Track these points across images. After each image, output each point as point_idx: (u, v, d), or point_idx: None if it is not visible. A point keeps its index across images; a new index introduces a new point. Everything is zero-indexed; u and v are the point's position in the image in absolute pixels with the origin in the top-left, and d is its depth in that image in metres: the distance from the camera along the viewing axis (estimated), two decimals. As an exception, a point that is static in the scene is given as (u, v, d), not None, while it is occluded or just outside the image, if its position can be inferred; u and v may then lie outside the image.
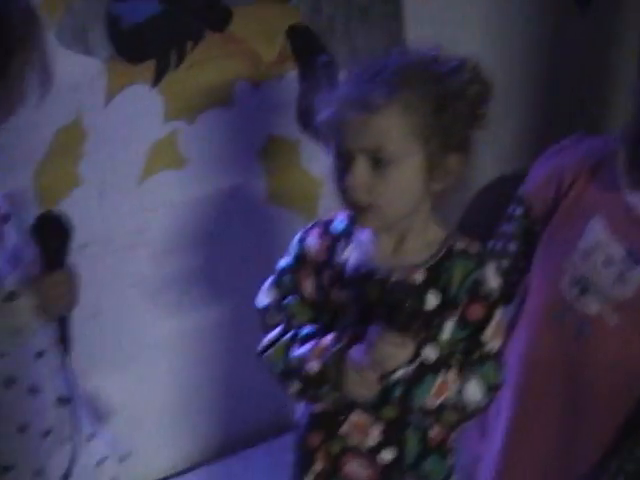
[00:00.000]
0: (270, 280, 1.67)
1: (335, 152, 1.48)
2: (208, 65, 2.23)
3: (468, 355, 1.52)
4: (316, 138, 2.40)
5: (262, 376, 1.64)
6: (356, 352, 1.47)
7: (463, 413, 1.53)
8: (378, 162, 1.43)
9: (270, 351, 1.61)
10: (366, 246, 1.55)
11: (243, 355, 1.99)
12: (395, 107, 1.41)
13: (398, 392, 1.48)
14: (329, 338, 1.53)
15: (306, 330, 1.58)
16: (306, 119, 2.39)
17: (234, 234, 2.40)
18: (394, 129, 1.42)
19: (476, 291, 1.50)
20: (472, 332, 1.51)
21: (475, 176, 1.54)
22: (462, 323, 1.51)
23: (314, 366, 1.52)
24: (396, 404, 1.51)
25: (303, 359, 1.54)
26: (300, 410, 1.69)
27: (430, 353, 1.50)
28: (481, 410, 1.55)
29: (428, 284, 1.50)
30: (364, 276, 1.53)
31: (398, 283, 1.47)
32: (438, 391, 1.48)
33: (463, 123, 1.47)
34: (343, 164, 1.46)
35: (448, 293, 1.50)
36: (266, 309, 1.65)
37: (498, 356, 1.54)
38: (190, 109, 2.25)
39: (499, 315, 1.53)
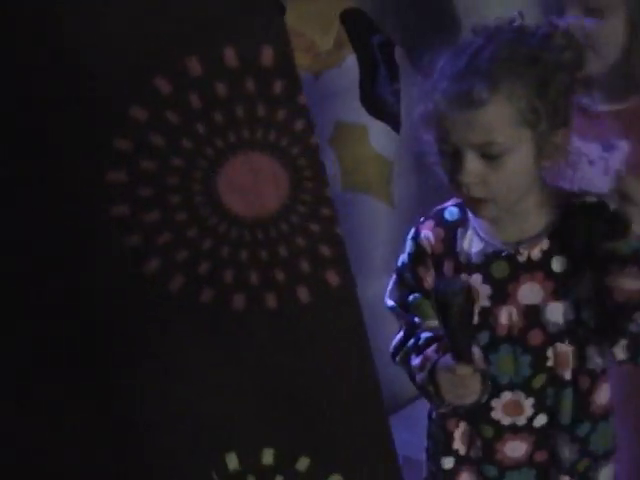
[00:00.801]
0: (393, 279, 1.67)
1: (440, 148, 1.46)
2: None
3: None
4: (384, 121, 2.44)
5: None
6: (445, 361, 1.47)
7: None
8: (489, 155, 1.42)
9: (398, 357, 1.63)
10: (486, 230, 1.54)
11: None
12: (500, 99, 1.39)
13: None
14: (432, 349, 1.53)
15: (425, 336, 1.57)
16: (371, 102, 2.42)
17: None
18: (502, 122, 1.41)
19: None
20: None
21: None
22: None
23: (420, 378, 1.53)
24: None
25: (416, 370, 1.55)
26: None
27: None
28: None
29: (552, 250, 1.49)
30: (490, 258, 1.52)
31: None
32: None
33: (565, 94, 1.45)
34: (452, 159, 1.45)
35: (576, 249, 1.48)
36: (393, 309, 1.65)
37: None
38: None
39: None
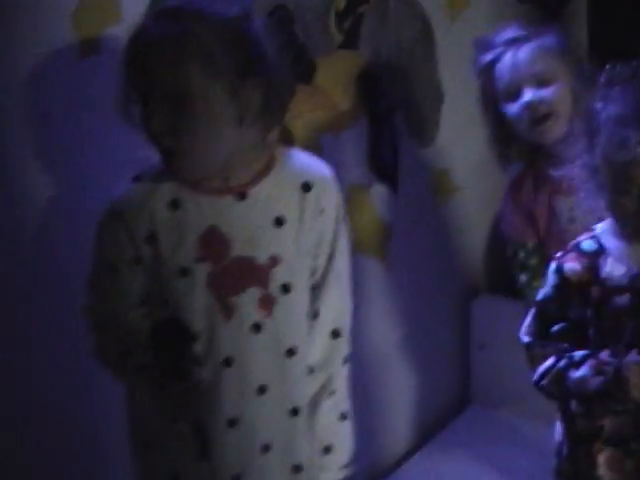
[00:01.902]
0: (531, 314, 1.75)
1: (619, 186, 1.58)
2: (299, 120, 2.19)
3: None
4: (385, 182, 2.44)
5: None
6: (634, 356, 1.58)
7: None
8: None
9: (545, 380, 1.68)
10: (625, 255, 1.66)
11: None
12: None
13: None
14: (605, 354, 1.62)
15: (580, 353, 1.65)
16: (374, 163, 2.43)
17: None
18: None
19: None
20: None
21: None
22: None
23: (596, 383, 1.60)
24: None
25: (583, 379, 1.62)
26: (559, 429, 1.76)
27: None
28: None
29: None
30: (636, 279, 1.63)
31: None
32: None
33: None
34: (632, 196, 1.57)
35: None
36: (531, 344, 1.73)
37: None
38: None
39: None
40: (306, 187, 1.59)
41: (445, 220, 2.72)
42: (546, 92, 2.08)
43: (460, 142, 2.66)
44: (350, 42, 2.32)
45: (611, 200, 1.62)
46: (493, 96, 2.15)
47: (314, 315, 1.66)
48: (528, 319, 1.75)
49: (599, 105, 1.62)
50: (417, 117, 2.55)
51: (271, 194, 1.56)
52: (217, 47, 1.41)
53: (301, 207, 1.59)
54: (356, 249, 2.38)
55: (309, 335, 1.65)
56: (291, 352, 1.60)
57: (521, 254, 2.20)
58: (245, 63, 1.45)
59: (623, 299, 1.63)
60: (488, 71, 2.15)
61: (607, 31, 3.20)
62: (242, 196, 1.55)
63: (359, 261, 2.41)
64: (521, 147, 2.18)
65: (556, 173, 2.03)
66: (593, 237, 1.70)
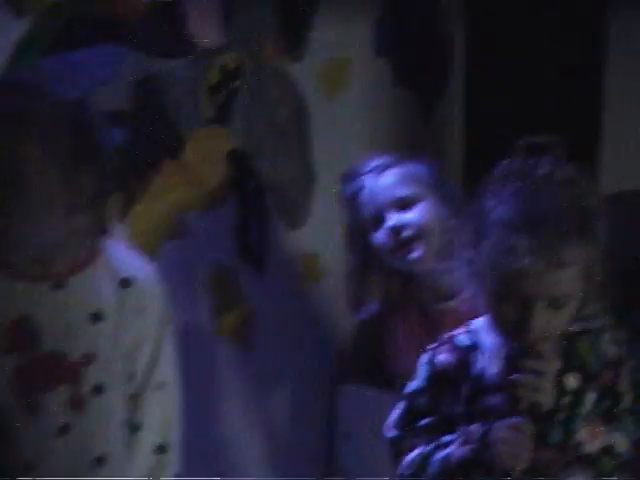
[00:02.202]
0: (399, 407, 1.67)
1: (503, 293, 1.50)
2: (164, 196, 2.09)
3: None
4: (251, 264, 2.36)
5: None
6: (502, 422, 1.51)
7: (617, 462, 1.57)
8: (556, 305, 1.49)
9: (411, 468, 1.62)
10: (497, 348, 1.58)
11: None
12: (580, 263, 1.49)
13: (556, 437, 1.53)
14: (474, 426, 1.55)
15: (447, 438, 1.59)
16: (241, 245, 2.34)
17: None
18: (575, 278, 1.50)
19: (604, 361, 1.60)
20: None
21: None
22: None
23: (461, 453, 1.54)
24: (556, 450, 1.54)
25: (449, 455, 1.56)
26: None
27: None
28: (629, 463, 1.61)
29: (566, 369, 1.57)
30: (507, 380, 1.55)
31: None
32: (592, 435, 1.55)
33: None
34: (515, 305, 1.49)
35: (585, 371, 1.58)
36: (400, 437, 1.66)
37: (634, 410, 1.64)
38: (149, 244, 2.08)
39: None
40: (125, 283, 1.51)
41: (312, 306, 2.63)
42: (410, 215, 2.02)
43: (331, 226, 2.60)
44: (222, 118, 2.25)
45: (492, 305, 1.55)
46: (358, 227, 2.10)
47: (135, 427, 1.55)
48: (395, 412, 1.68)
49: (489, 203, 1.53)
50: (287, 198, 2.48)
51: (90, 286, 1.48)
52: (55, 129, 1.34)
53: (120, 303, 1.50)
54: (218, 333, 2.31)
55: (128, 448, 1.53)
56: (100, 460, 1.49)
57: None
58: (79, 149, 1.38)
59: (495, 399, 1.56)
60: (353, 201, 2.09)
61: (484, 116, 3.24)
62: (59, 285, 1.46)
63: (221, 346, 2.32)
64: (395, 279, 2.10)
65: (439, 306, 2.01)
66: (469, 332, 1.64)
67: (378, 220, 2.03)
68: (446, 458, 1.56)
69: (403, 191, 2.02)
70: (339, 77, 2.61)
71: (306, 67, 2.49)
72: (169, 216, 2.11)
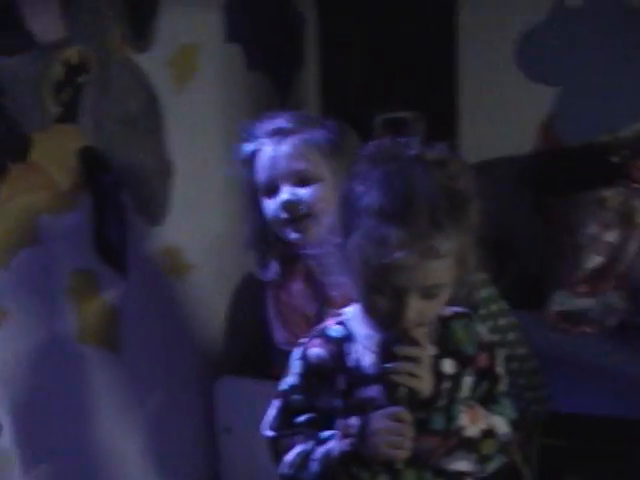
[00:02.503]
0: (275, 406, 1.61)
1: (373, 286, 1.45)
2: (13, 201, 1.98)
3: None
4: (114, 266, 2.27)
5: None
6: (379, 412, 1.47)
7: (498, 444, 1.56)
8: (429, 294, 1.45)
9: (292, 469, 1.55)
10: (373, 340, 1.53)
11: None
12: (454, 250, 1.44)
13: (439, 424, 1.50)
14: (352, 419, 1.50)
15: (328, 432, 1.54)
16: (99, 245, 2.25)
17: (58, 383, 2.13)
18: (449, 266, 1.45)
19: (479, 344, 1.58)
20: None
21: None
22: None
23: (341, 446, 1.49)
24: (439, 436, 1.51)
25: (329, 450, 1.51)
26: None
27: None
28: (509, 444, 1.60)
29: (441, 354, 1.54)
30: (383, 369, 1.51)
31: None
32: (472, 419, 1.52)
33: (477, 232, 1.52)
34: (387, 296, 1.44)
35: (461, 355, 1.56)
36: (278, 436, 1.59)
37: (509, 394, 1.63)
38: (3, 253, 1.97)
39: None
40: None
41: (179, 301, 2.56)
42: (305, 192, 1.91)
43: (193, 218, 2.54)
44: (69, 115, 2.15)
45: (363, 295, 1.50)
46: (254, 190, 1.98)
47: None
48: (272, 411, 1.61)
49: (358, 188, 1.46)
50: (144, 194, 2.40)
51: None
52: None
53: None
54: (82, 340, 2.22)
55: None
56: None
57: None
58: None
59: (372, 389, 1.51)
60: (249, 162, 1.96)
61: (341, 97, 3.23)
62: None
63: (86, 352, 2.23)
64: (282, 247, 2.00)
65: (325, 280, 1.92)
66: (341, 322, 1.58)
67: (272, 190, 1.93)
68: (326, 454, 1.51)
69: (301, 165, 1.91)
70: (189, 65, 2.54)
71: (154, 56, 2.41)
72: (21, 222, 2.01)
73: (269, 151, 1.92)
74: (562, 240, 3.19)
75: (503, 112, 3.40)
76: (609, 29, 3.27)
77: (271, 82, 2.94)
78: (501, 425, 1.57)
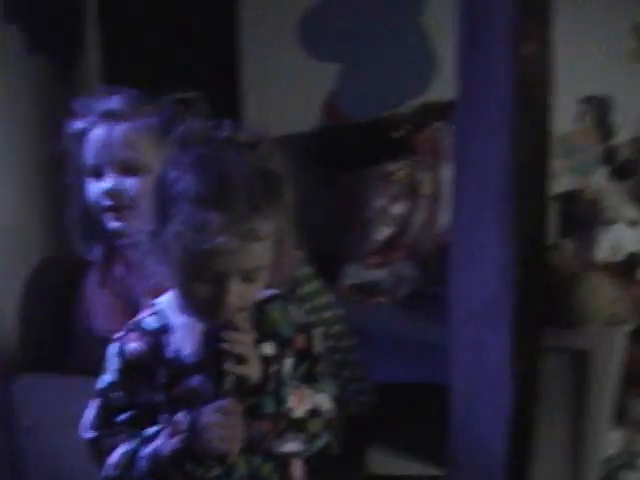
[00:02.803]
0: (94, 405, 1.57)
1: (195, 272, 1.44)
2: None
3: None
4: None
5: None
6: (209, 407, 1.47)
7: (324, 422, 1.60)
8: (250, 278, 1.46)
9: (117, 470, 1.52)
10: (191, 329, 1.53)
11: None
12: (273, 231, 1.45)
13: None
14: (180, 414, 1.49)
15: (153, 429, 1.52)
16: None
17: None
18: (267, 247, 1.46)
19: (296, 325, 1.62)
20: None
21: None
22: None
23: (171, 445, 1.47)
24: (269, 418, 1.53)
25: (157, 449, 1.49)
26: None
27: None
28: (334, 421, 1.64)
29: (261, 338, 1.55)
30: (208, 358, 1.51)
31: None
32: (299, 399, 1.56)
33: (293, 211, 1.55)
34: (207, 282, 1.44)
35: (279, 337, 1.58)
36: (99, 437, 1.56)
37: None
38: None
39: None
40: None
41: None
42: (131, 182, 1.87)
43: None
44: None
45: (183, 283, 1.48)
46: (80, 169, 1.90)
47: None
48: (90, 411, 1.57)
49: (172, 173, 1.44)
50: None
51: None
52: None
53: None
54: None
55: None
56: None
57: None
58: None
59: (194, 380, 1.51)
60: (77, 140, 1.89)
61: (123, 79, 3.16)
62: None
63: None
64: (105, 232, 1.93)
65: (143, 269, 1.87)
66: (156, 313, 1.56)
67: (97, 174, 1.86)
68: (155, 453, 1.48)
69: (130, 154, 1.86)
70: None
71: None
72: None
73: (99, 134, 1.86)
74: (352, 214, 3.29)
75: (288, 90, 3.45)
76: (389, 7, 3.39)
77: (53, 65, 2.82)
78: (324, 402, 1.61)
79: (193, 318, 1.51)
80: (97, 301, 1.98)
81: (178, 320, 1.54)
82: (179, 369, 1.52)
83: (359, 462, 2.60)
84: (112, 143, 1.86)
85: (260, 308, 1.58)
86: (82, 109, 1.90)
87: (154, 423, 1.52)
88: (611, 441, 2.89)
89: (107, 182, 1.86)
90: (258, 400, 1.51)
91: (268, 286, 1.56)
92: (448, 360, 2.26)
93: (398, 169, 3.22)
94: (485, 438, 2.16)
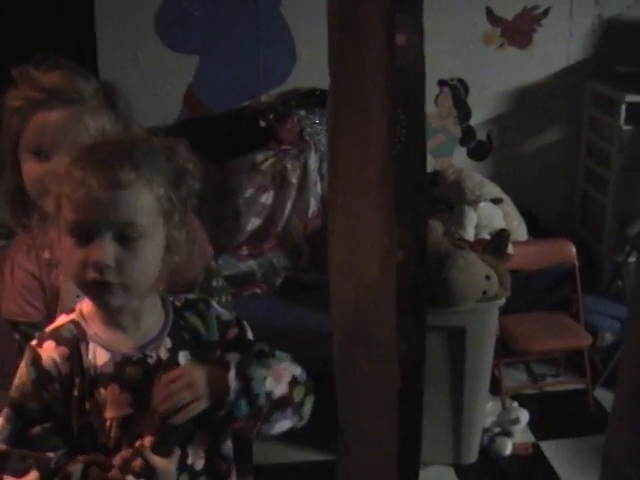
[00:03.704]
0: (6, 415, 1.46)
1: (70, 228, 1.41)
2: None
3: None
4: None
5: None
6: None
7: (304, 386, 1.57)
8: (126, 239, 1.41)
9: None
10: (109, 340, 1.49)
11: None
12: (142, 182, 1.42)
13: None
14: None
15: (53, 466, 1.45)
16: None
17: None
18: (143, 204, 1.43)
19: (221, 324, 1.58)
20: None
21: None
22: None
23: None
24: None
25: None
26: None
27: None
28: (310, 382, 1.61)
29: (177, 347, 1.53)
30: (122, 366, 1.48)
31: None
32: (277, 376, 1.53)
33: (192, 197, 1.52)
34: (81, 241, 1.40)
35: (200, 343, 1.55)
36: (7, 452, 1.45)
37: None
38: None
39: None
40: None
41: None
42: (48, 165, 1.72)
43: None
44: None
45: (66, 255, 1.44)
46: (16, 144, 1.75)
47: None
48: (2, 421, 1.46)
49: None
50: None
51: None
52: None
53: None
54: None
55: None
56: None
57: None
58: None
59: (111, 390, 1.46)
60: (19, 116, 1.73)
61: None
62: None
63: None
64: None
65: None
66: (73, 321, 1.50)
67: (36, 153, 1.72)
68: None
69: (70, 136, 1.71)
70: None
71: None
72: None
73: (42, 115, 1.72)
74: (221, 206, 3.28)
75: (147, 83, 3.40)
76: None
77: None
78: (295, 369, 1.57)
79: (107, 325, 1.48)
80: (15, 284, 1.89)
81: (95, 327, 1.49)
82: (94, 378, 1.47)
83: (247, 454, 2.60)
84: (55, 125, 1.74)
85: (178, 314, 1.55)
86: (24, 82, 1.80)
87: (69, 435, 1.46)
88: (489, 410, 3.01)
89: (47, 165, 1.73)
90: (229, 408, 1.47)
91: (184, 288, 1.56)
92: (333, 345, 2.28)
93: (265, 159, 3.23)
94: (374, 420, 2.20)
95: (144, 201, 1.42)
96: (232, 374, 1.46)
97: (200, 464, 1.53)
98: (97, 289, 1.43)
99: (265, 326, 2.84)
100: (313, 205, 3.22)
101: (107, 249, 1.39)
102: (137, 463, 1.42)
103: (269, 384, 1.50)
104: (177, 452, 1.46)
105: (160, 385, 1.43)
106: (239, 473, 1.64)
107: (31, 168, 1.71)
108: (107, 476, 1.42)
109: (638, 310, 1.77)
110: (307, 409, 1.57)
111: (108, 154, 1.41)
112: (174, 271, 1.53)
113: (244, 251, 3.24)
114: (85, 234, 1.39)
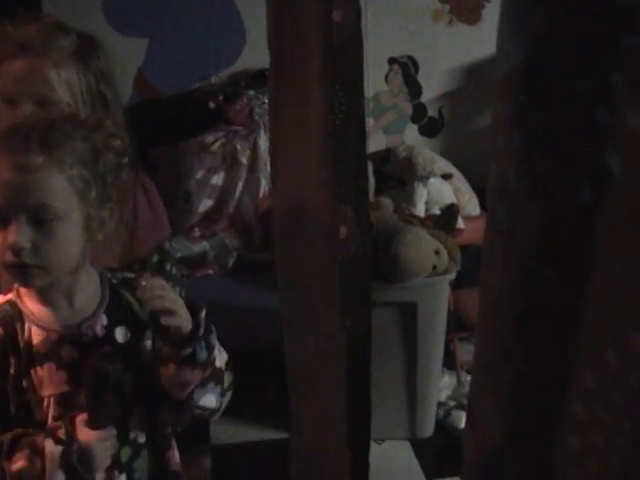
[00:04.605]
0: None
1: None
2: None
3: None
4: None
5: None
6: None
7: (230, 378, 1.60)
8: (40, 221, 1.44)
9: None
10: (43, 318, 1.51)
11: None
12: (52, 164, 1.44)
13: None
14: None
15: (8, 438, 1.46)
16: None
17: None
18: (54, 186, 1.44)
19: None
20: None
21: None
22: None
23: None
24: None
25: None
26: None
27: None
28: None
29: (113, 324, 1.54)
30: (56, 344, 1.49)
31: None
32: (220, 347, 1.55)
33: (113, 173, 1.54)
34: (1, 225, 1.43)
35: (135, 320, 1.57)
36: None
37: None
38: None
39: None
40: None
41: None
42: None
43: None
44: None
45: None
46: None
47: None
48: None
49: None
50: None
51: None
52: None
53: None
54: None
55: None
56: None
57: None
58: None
59: (47, 368, 1.48)
60: None
61: None
62: None
63: None
64: None
65: None
66: (10, 301, 1.52)
67: (9, 102, 1.76)
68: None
69: (45, 89, 1.75)
70: None
71: None
72: None
73: (9, 64, 1.75)
74: (172, 188, 3.27)
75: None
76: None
77: None
78: (225, 355, 1.60)
79: (43, 303, 1.50)
80: None
81: (31, 306, 1.51)
82: (30, 358, 1.48)
83: (204, 434, 2.62)
84: (16, 75, 1.76)
85: (114, 291, 1.57)
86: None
87: (7, 416, 1.47)
88: (444, 384, 3.04)
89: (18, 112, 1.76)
90: (193, 348, 1.48)
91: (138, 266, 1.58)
92: (282, 325, 2.29)
93: (215, 140, 3.22)
94: (324, 397, 2.21)
95: (55, 183, 1.44)
96: (203, 313, 1.49)
97: (142, 438, 1.56)
98: (17, 271, 1.46)
99: (218, 306, 2.86)
100: (264, 185, 3.23)
101: (22, 232, 1.42)
102: (61, 431, 1.45)
103: (216, 350, 1.53)
104: (112, 429, 1.48)
105: (146, 288, 1.47)
106: (196, 453, 1.65)
107: (6, 115, 1.75)
108: (33, 439, 1.44)
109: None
110: (226, 400, 1.60)
111: (19, 139, 1.44)
112: (116, 247, 1.57)
113: (196, 232, 3.25)
114: (3, 218, 1.43)
